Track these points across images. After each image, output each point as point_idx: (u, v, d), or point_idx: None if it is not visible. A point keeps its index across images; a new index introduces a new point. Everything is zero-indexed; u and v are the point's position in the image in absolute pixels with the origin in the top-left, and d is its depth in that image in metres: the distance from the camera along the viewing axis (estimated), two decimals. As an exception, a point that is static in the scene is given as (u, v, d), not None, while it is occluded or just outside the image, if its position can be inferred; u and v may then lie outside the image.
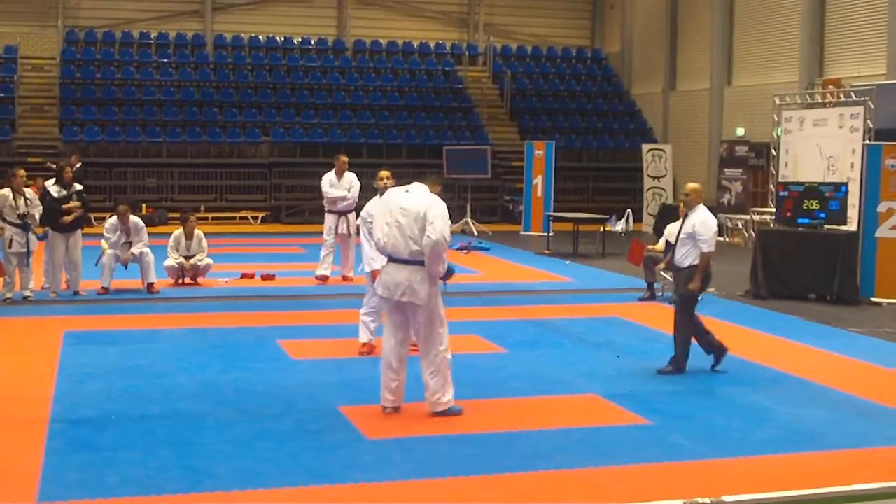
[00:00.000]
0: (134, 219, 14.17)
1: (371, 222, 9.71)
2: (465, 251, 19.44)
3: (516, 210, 25.75)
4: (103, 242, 14.02)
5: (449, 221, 7.75)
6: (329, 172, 15.06)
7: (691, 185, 9.80)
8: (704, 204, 9.71)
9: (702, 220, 9.50)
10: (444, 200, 7.84)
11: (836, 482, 6.31)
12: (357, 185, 14.99)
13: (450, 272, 7.89)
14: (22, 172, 13.14)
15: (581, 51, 32.22)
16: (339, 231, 14.85)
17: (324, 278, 14.93)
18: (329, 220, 15.00)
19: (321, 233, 15.17)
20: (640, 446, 7.18)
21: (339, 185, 14.90)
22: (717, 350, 9.67)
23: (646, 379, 9.29)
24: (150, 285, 13.79)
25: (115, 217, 14.09)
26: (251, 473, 6.42)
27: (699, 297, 9.79)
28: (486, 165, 24.78)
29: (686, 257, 9.56)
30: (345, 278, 14.97)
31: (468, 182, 24.59)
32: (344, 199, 14.85)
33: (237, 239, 21.49)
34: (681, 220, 9.90)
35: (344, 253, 15.07)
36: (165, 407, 8.03)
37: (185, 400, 8.25)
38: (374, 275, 9.29)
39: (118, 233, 13.88)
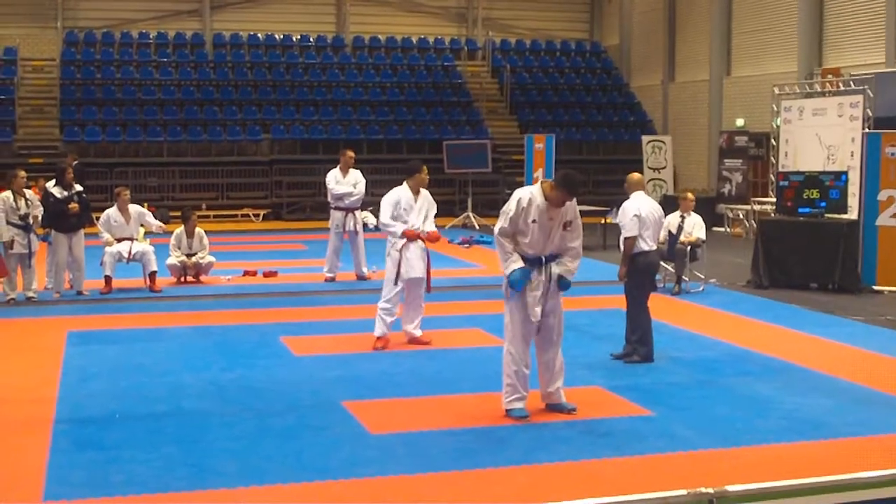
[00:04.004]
0: (134, 206, 14.14)
1: (405, 208, 9.96)
2: (467, 245, 19.49)
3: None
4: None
5: (504, 216, 7.60)
6: (334, 169, 14.77)
7: (629, 175, 9.81)
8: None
9: (622, 208, 9.51)
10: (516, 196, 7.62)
11: (840, 470, 6.31)
12: (363, 180, 14.66)
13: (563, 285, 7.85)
14: (22, 174, 13.18)
15: (580, 44, 32.21)
16: (347, 228, 14.50)
17: (332, 280, 14.59)
18: (335, 216, 14.59)
19: (323, 229, 14.98)
20: (644, 437, 7.20)
21: (343, 181, 14.56)
22: (639, 354, 9.51)
23: (648, 370, 9.30)
24: (153, 274, 13.76)
25: (112, 209, 14.02)
26: (256, 470, 6.44)
27: (652, 288, 9.75)
28: (486, 160, 24.81)
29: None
30: (359, 277, 14.60)
31: (469, 176, 24.63)
32: (350, 195, 14.46)
33: (239, 236, 21.53)
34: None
35: (354, 250, 14.64)
36: (170, 405, 8.05)
37: (189, 398, 8.28)
38: (406, 234, 10.03)
39: (115, 223, 13.79)
